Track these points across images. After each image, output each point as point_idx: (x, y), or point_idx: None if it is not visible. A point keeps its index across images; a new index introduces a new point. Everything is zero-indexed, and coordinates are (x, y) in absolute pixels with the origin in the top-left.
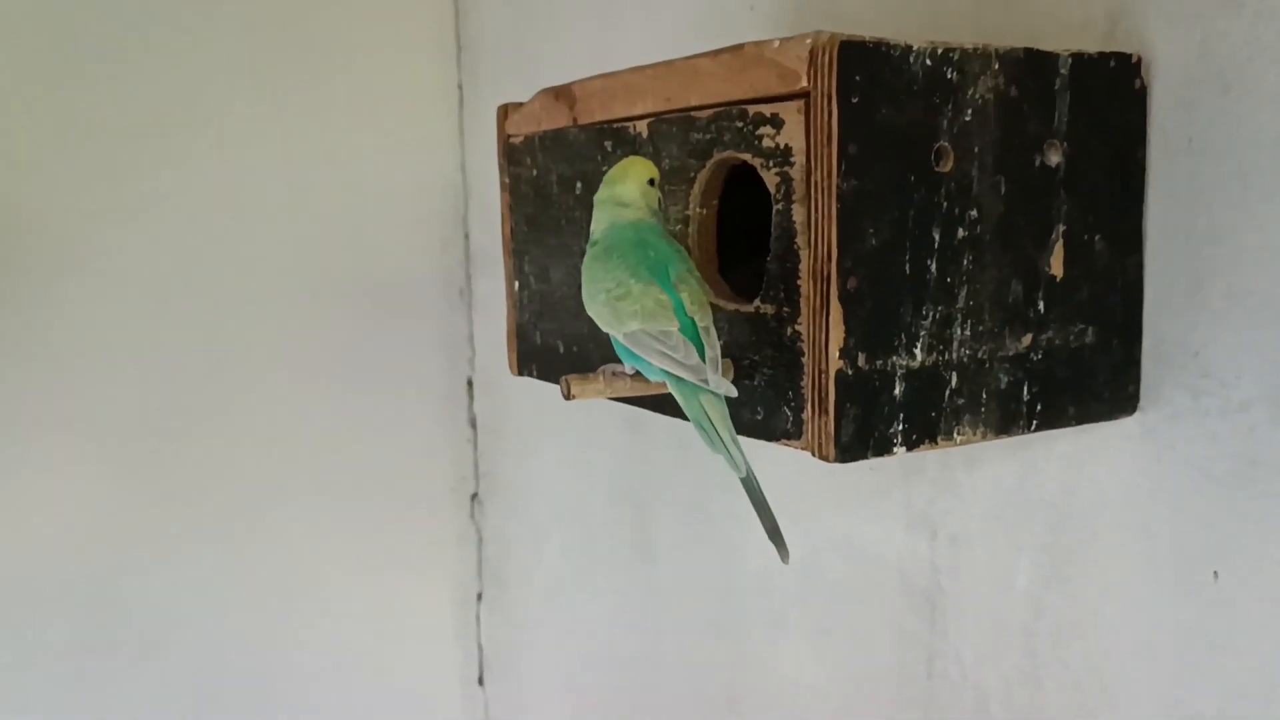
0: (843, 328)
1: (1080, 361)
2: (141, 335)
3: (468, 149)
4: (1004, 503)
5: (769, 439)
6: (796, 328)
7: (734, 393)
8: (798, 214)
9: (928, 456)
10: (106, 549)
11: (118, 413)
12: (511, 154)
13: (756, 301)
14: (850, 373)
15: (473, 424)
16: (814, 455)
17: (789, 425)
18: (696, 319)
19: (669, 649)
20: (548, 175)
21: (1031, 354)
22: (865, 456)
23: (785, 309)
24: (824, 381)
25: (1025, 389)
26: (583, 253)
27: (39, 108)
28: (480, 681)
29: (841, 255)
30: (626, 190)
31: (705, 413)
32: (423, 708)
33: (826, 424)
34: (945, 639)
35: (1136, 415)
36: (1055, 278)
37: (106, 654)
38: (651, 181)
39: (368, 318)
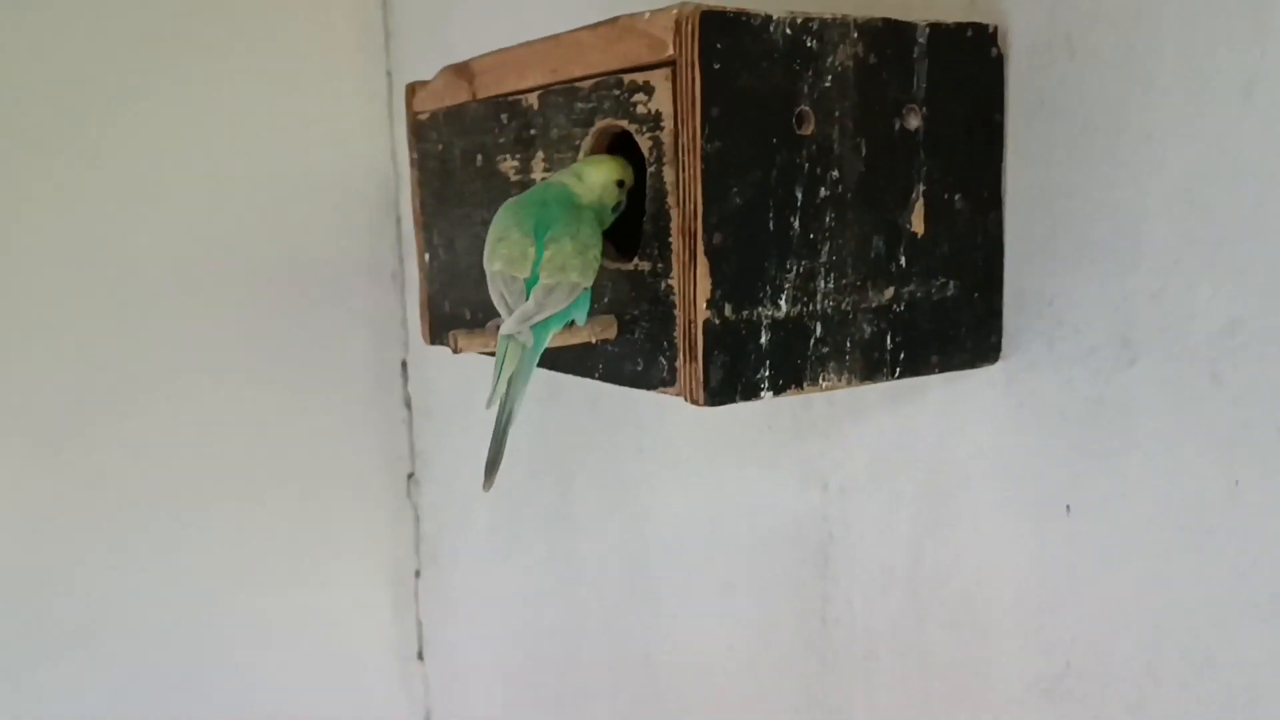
0: (709, 280)
1: (943, 313)
2: (65, 325)
3: (397, 135)
4: (886, 453)
5: (648, 387)
6: (669, 282)
7: (526, 340)
8: (668, 175)
9: (817, 411)
10: (33, 538)
11: (42, 402)
12: (419, 130)
13: (635, 259)
14: (718, 322)
15: (407, 404)
16: (686, 400)
17: (664, 374)
18: (542, 275)
19: (591, 615)
20: (451, 149)
21: (894, 306)
22: (733, 400)
23: (659, 265)
24: (693, 331)
25: (888, 339)
26: (484, 223)
27: None
28: (420, 656)
29: (706, 213)
30: (592, 172)
31: (503, 353)
32: (363, 684)
33: (696, 370)
34: (837, 586)
35: (1000, 364)
36: (916, 234)
37: (34, 642)
38: (620, 183)
39: (301, 302)
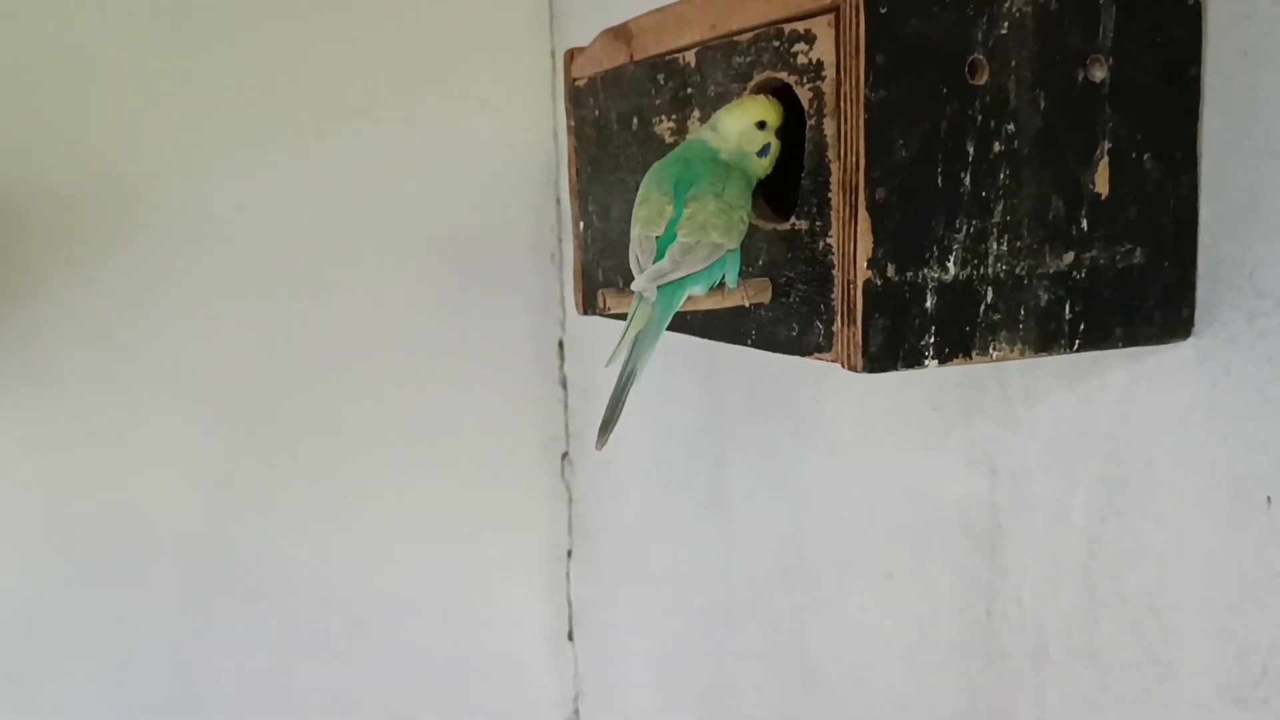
0: (870, 238)
1: (1128, 282)
2: (248, 295)
3: (559, 116)
4: (1061, 437)
5: (803, 354)
6: (828, 241)
7: (652, 297)
8: (829, 128)
9: (987, 391)
10: (213, 501)
11: (225, 370)
12: (576, 97)
13: (792, 219)
14: (879, 283)
15: (563, 384)
16: (844, 366)
17: (820, 339)
18: (680, 234)
19: (743, 600)
20: (608, 114)
21: (1074, 272)
22: (894, 367)
23: (817, 223)
24: (852, 293)
25: (1067, 307)
26: (638, 187)
27: (153, 71)
28: (570, 637)
29: (869, 166)
30: (727, 120)
31: (633, 311)
32: (513, 663)
33: (854, 335)
34: (1005, 578)
35: (1191, 340)
36: (1100, 195)
37: (212, 601)
38: (761, 125)
39: (464, 282)
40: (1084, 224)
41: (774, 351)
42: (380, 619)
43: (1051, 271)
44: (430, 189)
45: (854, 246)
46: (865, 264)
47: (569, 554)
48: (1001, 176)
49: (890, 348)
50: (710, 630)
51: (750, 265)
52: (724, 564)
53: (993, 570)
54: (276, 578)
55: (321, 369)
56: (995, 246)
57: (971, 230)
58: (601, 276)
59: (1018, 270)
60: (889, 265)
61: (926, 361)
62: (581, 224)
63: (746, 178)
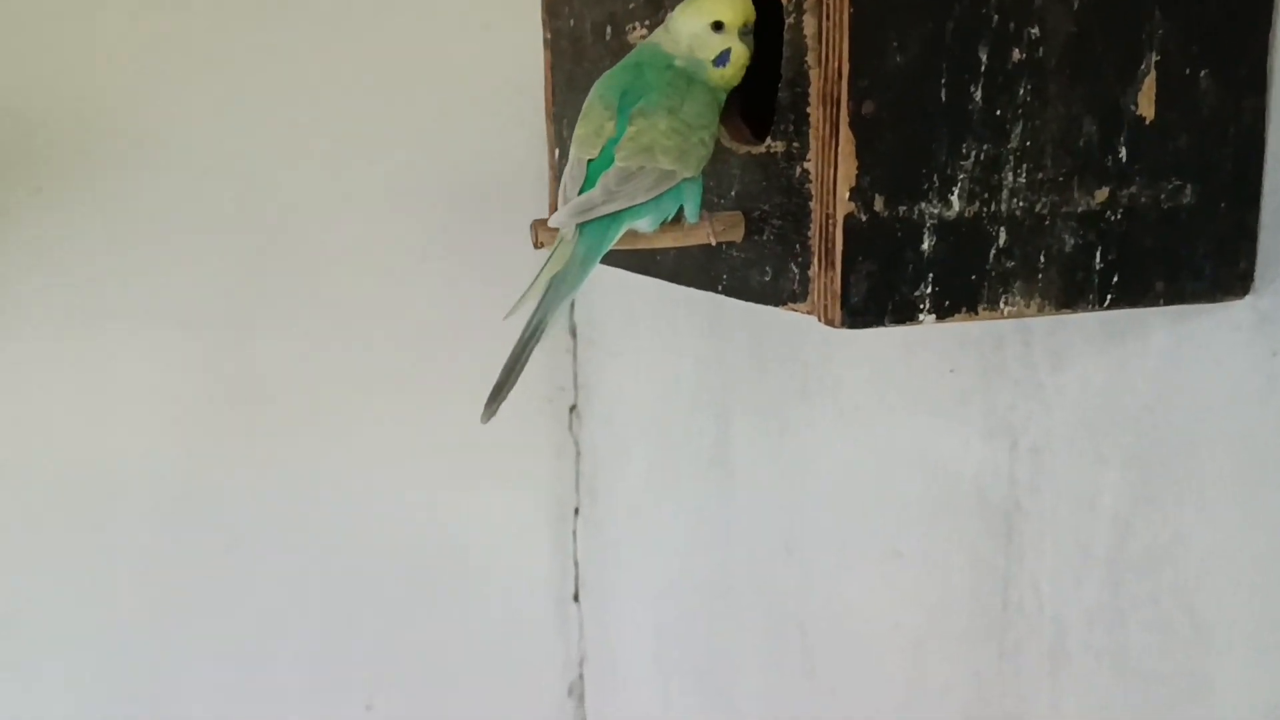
0: (854, 162)
1: (1174, 226)
2: (226, 228)
3: None
4: (1091, 408)
5: (777, 303)
6: (805, 166)
7: (567, 232)
8: (809, 26)
9: (1009, 352)
10: (189, 450)
11: (201, 308)
12: (552, 5)
13: (767, 140)
14: (864, 219)
15: (572, 332)
16: (820, 319)
17: (795, 285)
18: (618, 157)
19: (743, 572)
20: (582, 24)
21: (1108, 212)
22: (880, 322)
23: (794, 144)
24: (831, 229)
25: (1097, 255)
26: None
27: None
28: (575, 599)
29: (854, 73)
30: (680, 20)
31: (554, 250)
32: (519, 625)
33: (833, 281)
34: (1022, 565)
35: (1249, 298)
36: (1144, 119)
37: (189, 556)
38: (718, 25)
39: (464, 218)
40: (1122, 154)
41: (746, 300)
42: (374, 576)
43: (1080, 211)
44: (428, 117)
45: (834, 173)
46: (847, 194)
47: (576, 512)
48: (1021, 92)
49: (876, 298)
50: (710, 602)
51: (722, 196)
52: (724, 532)
53: (1009, 555)
54: (259, 532)
55: (306, 308)
56: (1011, 178)
57: (982, 157)
58: None
59: (1038, 208)
60: (877, 197)
61: (921, 316)
62: (556, 151)
63: (711, 92)
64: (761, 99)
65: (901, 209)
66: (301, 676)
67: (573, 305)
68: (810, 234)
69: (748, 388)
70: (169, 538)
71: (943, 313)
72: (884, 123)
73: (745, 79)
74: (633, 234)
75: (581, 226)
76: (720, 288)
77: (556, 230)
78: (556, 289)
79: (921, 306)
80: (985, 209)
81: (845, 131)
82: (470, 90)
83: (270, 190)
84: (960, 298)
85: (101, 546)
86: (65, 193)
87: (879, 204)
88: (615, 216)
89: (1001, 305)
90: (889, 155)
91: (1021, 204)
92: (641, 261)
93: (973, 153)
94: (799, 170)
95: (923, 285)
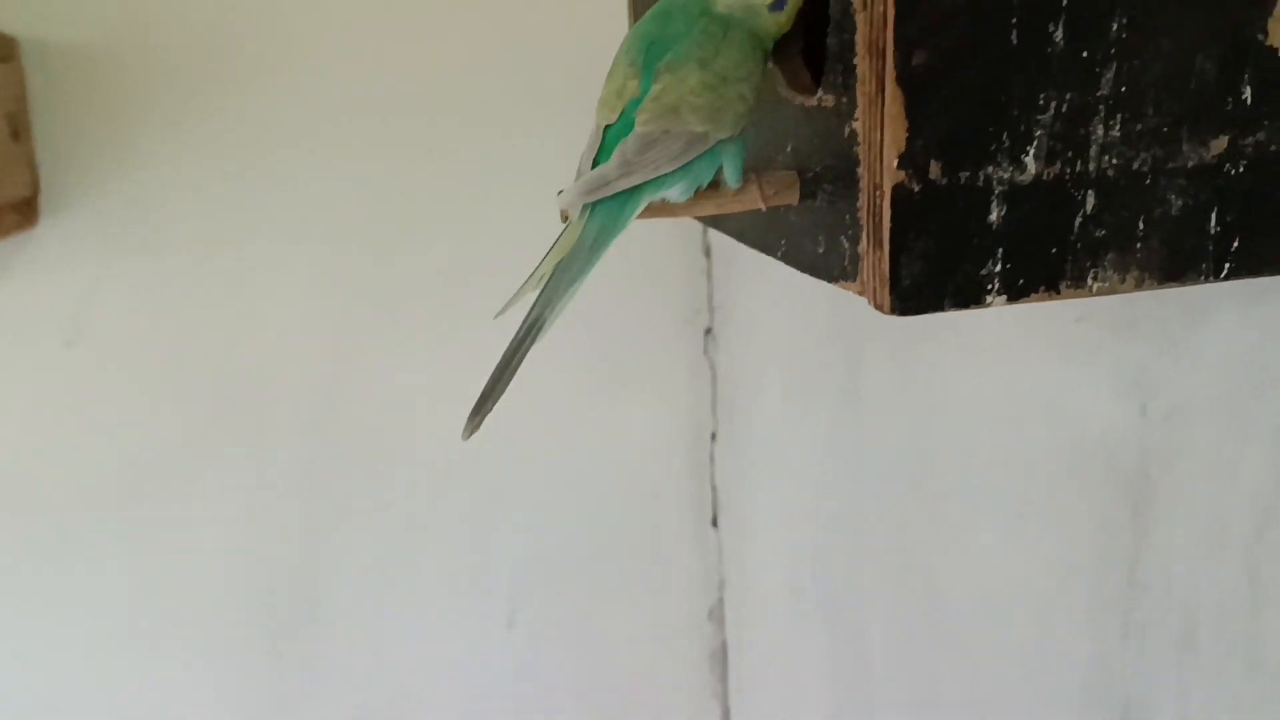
0: (904, 124)
1: None
2: (362, 146)
3: None
4: (1233, 373)
5: (829, 278)
6: (853, 125)
7: (574, 217)
8: None
9: (1140, 306)
10: (335, 366)
11: (341, 227)
12: None
13: (819, 92)
14: (916, 189)
15: (706, 253)
16: (870, 303)
17: (845, 261)
18: (639, 122)
19: (872, 508)
20: None
21: (1226, 165)
22: (939, 307)
23: (843, 99)
24: (879, 201)
25: (1213, 217)
26: None
27: None
28: (714, 523)
29: (901, 17)
30: None
31: (562, 234)
32: (657, 548)
33: (880, 261)
34: (1150, 542)
35: None
36: (1275, 51)
37: (338, 461)
38: None
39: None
40: (1245, 94)
41: (803, 271)
42: (514, 495)
43: (1190, 165)
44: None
45: (881, 136)
46: (895, 161)
47: (713, 436)
48: (1115, 27)
49: (933, 280)
50: (842, 535)
51: (780, 151)
52: (855, 466)
53: (1136, 529)
54: (404, 446)
55: (444, 223)
56: (1102, 131)
57: (1065, 109)
58: None
59: (1137, 165)
60: (932, 163)
61: (989, 299)
62: None
63: (754, 38)
64: (818, 42)
65: (963, 175)
66: (443, 595)
67: (705, 223)
68: (859, 205)
69: (876, 319)
70: (317, 451)
71: (1016, 293)
72: (940, 75)
73: (810, 14)
74: (660, 203)
75: (592, 206)
76: (779, 254)
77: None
78: (560, 278)
79: (989, 287)
80: (1069, 170)
81: (892, 87)
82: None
83: (406, 106)
84: (1037, 275)
85: (252, 466)
86: (196, 121)
87: (935, 171)
88: (633, 192)
89: (1089, 281)
90: (947, 113)
91: (1115, 161)
92: (705, 218)
93: (1053, 104)
94: (847, 130)
95: (990, 262)
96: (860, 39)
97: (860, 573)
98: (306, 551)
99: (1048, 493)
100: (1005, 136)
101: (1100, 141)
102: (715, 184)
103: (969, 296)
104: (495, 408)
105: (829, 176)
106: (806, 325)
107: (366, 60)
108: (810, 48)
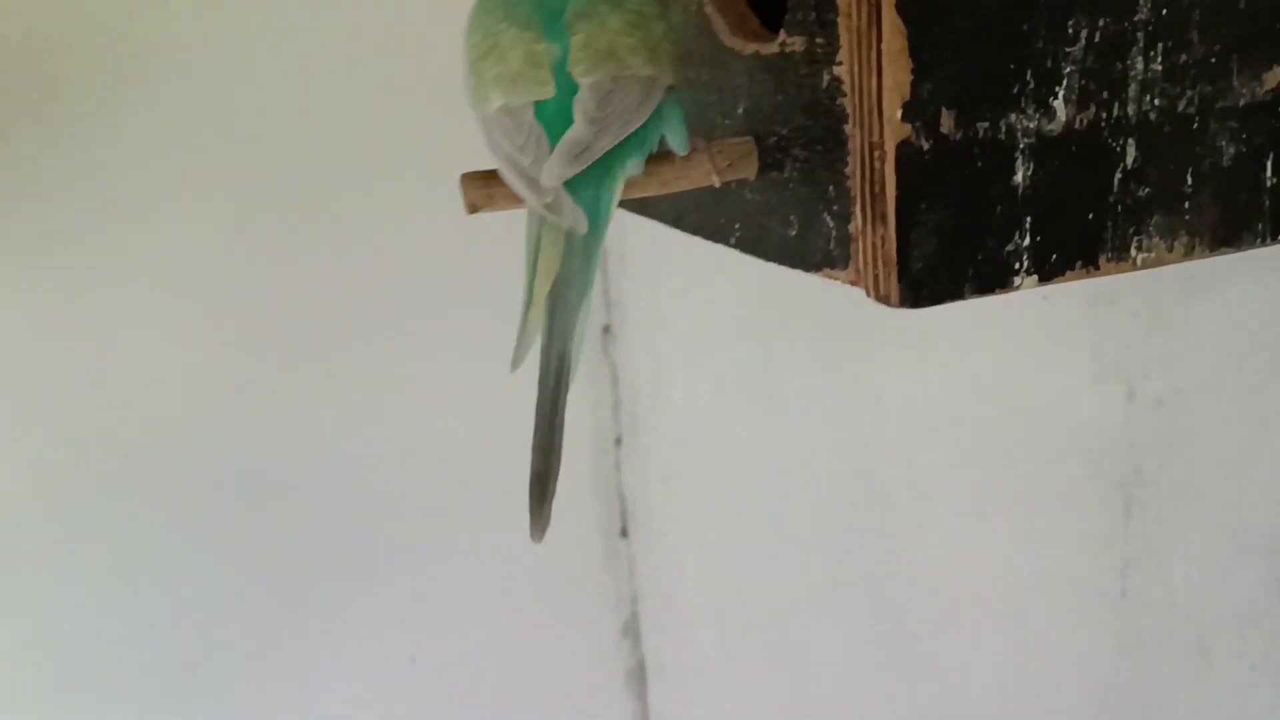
0: (907, 64)
1: None
2: (244, 149)
3: None
4: (1238, 348)
5: (807, 267)
6: (835, 72)
7: (580, 226)
8: None
9: (1121, 277)
10: (213, 396)
11: (219, 244)
12: None
13: (780, 35)
14: (925, 146)
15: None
16: (869, 294)
17: (830, 245)
18: (579, 74)
19: (806, 521)
20: None
21: None
22: (959, 294)
23: (817, 40)
24: (878, 165)
25: (1269, 165)
26: None
27: None
28: (624, 533)
29: None
30: None
31: (535, 249)
32: (564, 564)
33: (884, 240)
34: (1146, 547)
35: None
36: None
37: (216, 500)
38: None
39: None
40: None
41: (769, 260)
42: (412, 518)
43: (1243, 104)
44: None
45: (877, 81)
46: (899, 112)
47: (617, 442)
48: None
49: (950, 262)
50: (771, 546)
51: (726, 115)
52: (780, 473)
53: (1129, 533)
54: (294, 483)
55: (329, 237)
56: (1142, 65)
57: (1098, 38)
58: None
59: (1182, 106)
60: (944, 113)
61: (1017, 280)
62: None
63: None
64: None
65: (982, 127)
66: (340, 633)
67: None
68: (848, 172)
69: (792, 308)
70: (191, 489)
71: (1048, 271)
72: (948, 2)
73: None
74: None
75: (572, 187)
76: (733, 240)
77: (493, 188)
78: (563, 305)
79: (1017, 265)
80: (1105, 115)
81: (891, 18)
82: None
83: (280, 110)
84: (1072, 247)
85: (127, 501)
86: (64, 128)
87: (947, 123)
88: (605, 163)
89: (1133, 251)
90: (960, 48)
91: (1158, 102)
92: (635, 202)
93: (1084, 32)
94: (826, 78)
95: (1018, 234)
96: None
97: (797, 586)
98: (195, 593)
99: (1012, 494)
100: (1030, 75)
101: (1140, 78)
102: (656, 155)
103: (994, 278)
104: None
105: (801, 140)
106: (718, 320)
107: (259, 59)
108: None
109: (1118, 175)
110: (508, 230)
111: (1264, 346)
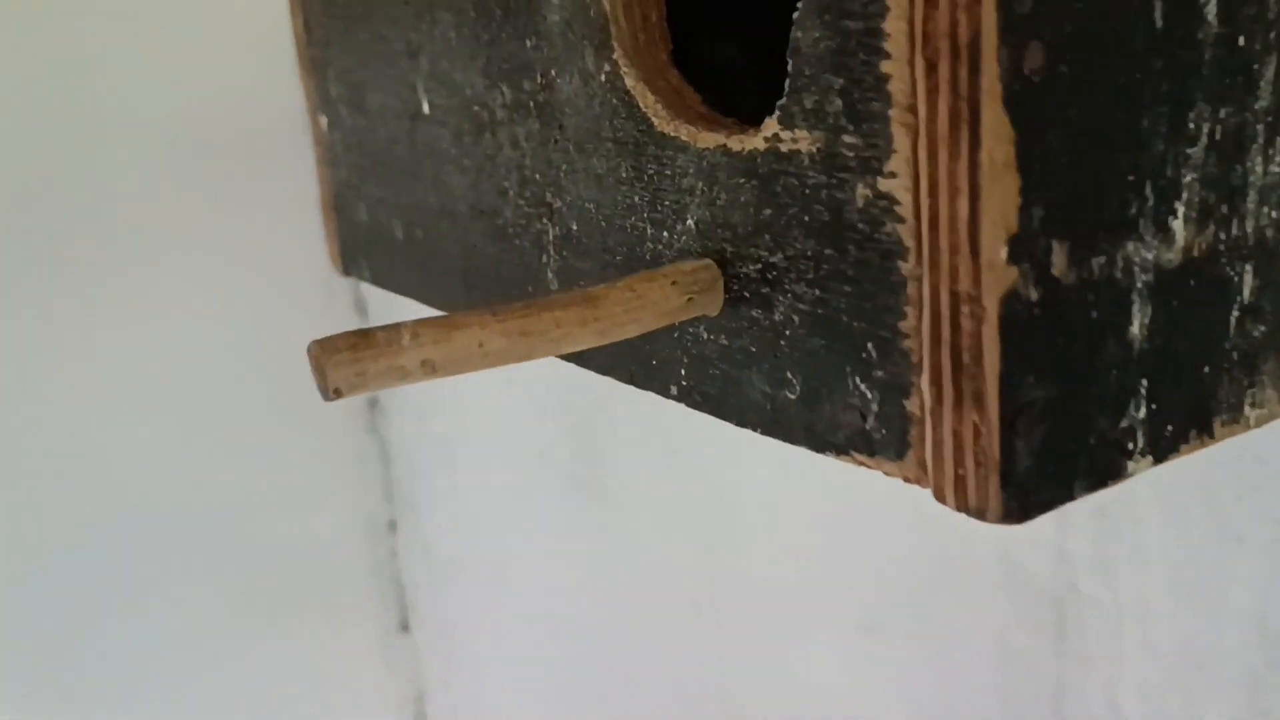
0: (1015, 180)
1: None
2: None
3: None
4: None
5: (815, 447)
6: (880, 186)
7: None
8: None
9: None
10: None
11: None
12: None
13: (772, 124)
14: (1035, 297)
15: (359, 307)
16: (951, 504)
17: (870, 422)
18: None
19: (632, 623)
20: None
21: None
22: (1069, 497)
23: (846, 139)
24: (965, 323)
25: None
26: (410, 52)
27: None
28: (405, 627)
29: None
30: None
31: None
32: (335, 659)
33: (979, 431)
34: (1088, 670)
35: None
36: None
37: None
38: None
39: (207, 177)
40: None
41: (733, 422)
42: (175, 624)
43: None
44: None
45: (969, 207)
46: (1005, 251)
47: (391, 526)
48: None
49: (1060, 453)
50: (588, 651)
51: (663, 228)
52: (602, 572)
53: (1063, 653)
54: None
55: (35, 304)
56: (1260, 169)
57: (1218, 136)
58: (365, 214)
59: None
60: (1055, 247)
61: (1131, 464)
62: (324, 118)
63: None
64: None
65: (1097, 263)
66: None
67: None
68: (905, 328)
69: (617, 388)
70: None
71: (1163, 448)
72: (1064, 87)
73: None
74: None
75: None
76: (674, 390)
77: (362, 367)
78: None
79: (1130, 446)
80: (1223, 234)
81: (995, 117)
82: (168, 24)
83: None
84: (1188, 413)
85: None
86: None
87: (1059, 261)
88: None
89: (1246, 409)
90: (1072, 158)
91: (1275, 214)
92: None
93: (1205, 127)
94: (862, 194)
95: (1133, 405)
96: (906, 24)
97: (621, 701)
98: None
99: (907, 603)
100: (1149, 188)
101: (1259, 184)
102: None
103: (1106, 467)
104: None
105: (808, 274)
106: (512, 394)
107: None
108: (690, 44)
109: (1234, 312)
110: None
111: (1239, 439)
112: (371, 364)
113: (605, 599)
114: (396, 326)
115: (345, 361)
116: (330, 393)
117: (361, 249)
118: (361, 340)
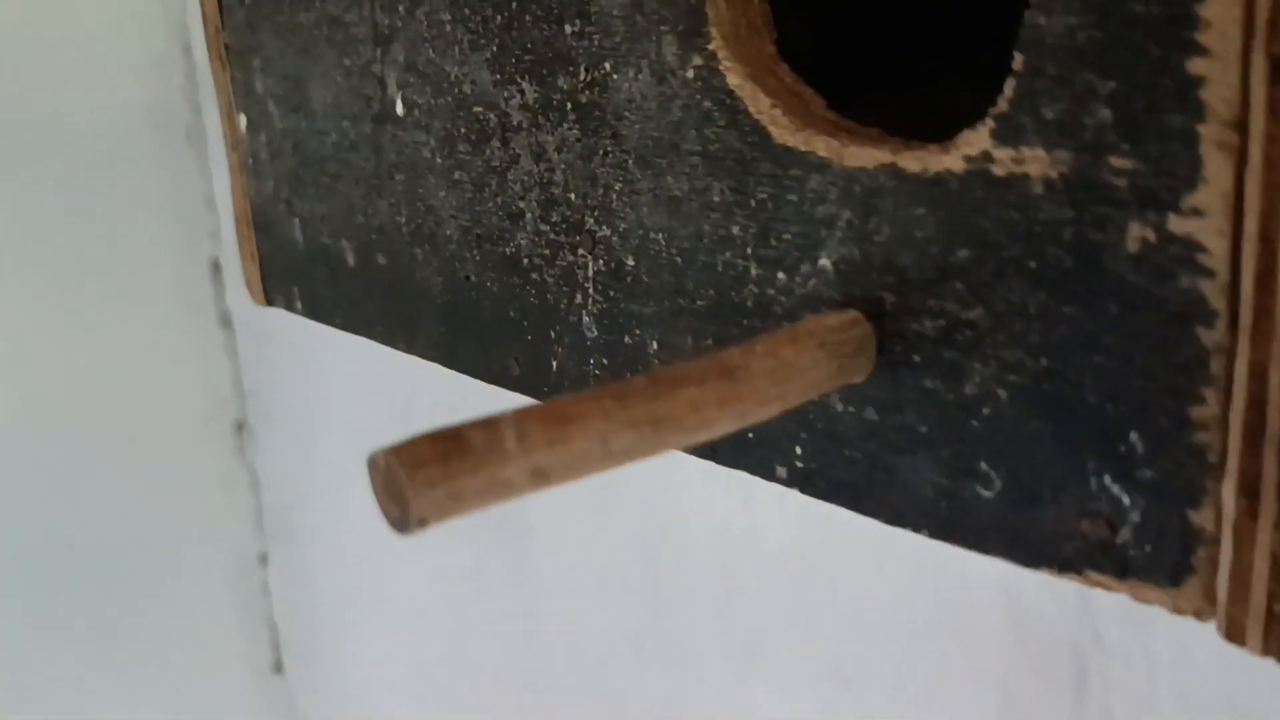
0: None
1: None
2: None
3: None
4: None
5: (1023, 560)
6: (1175, 223)
7: None
8: None
9: None
10: None
11: None
12: None
13: (979, 137)
14: None
15: (225, 322)
16: (1250, 645)
17: (1118, 535)
18: None
19: (561, 665)
20: None
21: None
22: None
23: (1119, 156)
24: None
25: None
26: (381, 37)
27: None
28: (278, 669)
29: None
30: None
31: None
32: (205, 705)
33: None
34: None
35: None
36: None
37: None
38: None
39: (67, 187)
40: None
41: (879, 518)
42: (16, 663)
43: None
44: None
45: None
46: None
47: (263, 560)
48: None
49: None
50: (500, 703)
51: (781, 269)
52: (519, 606)
53: (1081, 709)
54: None
55: None
56: None
57: None
58: (300, 234)
59: None
60: None
61: None
62: (243, 119)
63: None
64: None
65: None
66: None
67: (220, 285)
68: (1197, 416)
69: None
70: None
71: None
72: None
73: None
74: None
75: None
76: (784, 472)
77: (457, 486)
78: None
79: None
80: None
81: None
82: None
83: None
84: None
85: None
86: None
87: None
88: None
89: None
90: None
91: None
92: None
93: None
94: (1141, 234)
95: None
96: (1241, 9)
97: None
98: None
99: (886, 652)
100: None
101: None
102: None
103: None
104: None
105: (1031, 334)
106: (396, 414)
107: None
108: (802, 35)
109: None
110: None
111: None
112: (469, 479)
113: (521, 638)
114: (493, 422)
115: (435, 480)
116: (414, 524)
117: (293, 275)
118: (454, 446)
